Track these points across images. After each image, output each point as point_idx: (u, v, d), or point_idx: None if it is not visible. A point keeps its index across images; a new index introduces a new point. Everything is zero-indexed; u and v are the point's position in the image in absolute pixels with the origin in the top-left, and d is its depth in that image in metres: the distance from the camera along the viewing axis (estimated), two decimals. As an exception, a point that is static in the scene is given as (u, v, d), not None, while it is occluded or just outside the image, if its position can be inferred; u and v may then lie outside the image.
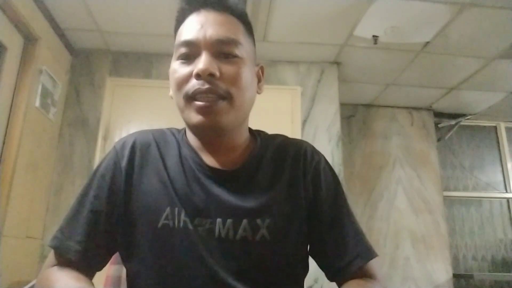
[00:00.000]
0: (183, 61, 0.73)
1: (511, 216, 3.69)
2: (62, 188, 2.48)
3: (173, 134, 0.83)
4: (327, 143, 2.77)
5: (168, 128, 0.85)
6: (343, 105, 3.06)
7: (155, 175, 0.76)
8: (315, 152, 0.83)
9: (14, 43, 2.13)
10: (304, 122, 2.80)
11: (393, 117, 3.62)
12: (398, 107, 3.63)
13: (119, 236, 0.75)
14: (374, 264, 0.77)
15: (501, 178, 3.80)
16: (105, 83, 2.71)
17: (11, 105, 2.12)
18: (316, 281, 2.46)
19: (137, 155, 0.78)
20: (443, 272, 3.27)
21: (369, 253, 0.76)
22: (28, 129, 2.17)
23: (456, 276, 3.31)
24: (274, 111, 2.74)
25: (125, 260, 0.76)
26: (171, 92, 0.78)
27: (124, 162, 0.77)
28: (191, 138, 0.80)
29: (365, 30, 2.49)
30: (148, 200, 0.74)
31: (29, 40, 2.21)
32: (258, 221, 0.72)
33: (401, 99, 3.51)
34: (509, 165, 3.81)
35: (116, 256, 0.81)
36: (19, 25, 2.10)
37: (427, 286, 3.22)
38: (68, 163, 2.54)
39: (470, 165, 3.80)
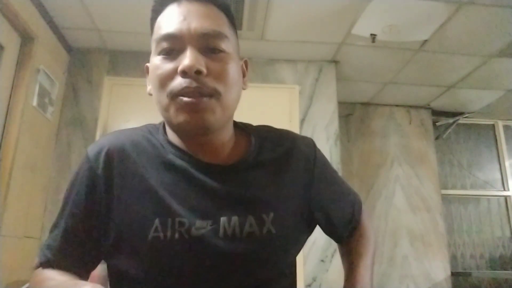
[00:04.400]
0: (165, 56, 0.67)
1: (509, 214, 3.71)
2: (59, 188, 2.47)
3: (152, 134, 0.76)
4: (325, 141, 2.78)
5: (145, 126, 0.79)
6: (341, 103, 3.06)
7: (138, 184, 0.69)
8: (310, 149, 0.85)
9: (11, 42, 2.12)
10: (302, 121, 2.80)
11: (391, 115, 3.62)
12: (396, 106, 3.63)
13: (103, 245, 0.70)
14: (362, 214, 0.89)
15: (499, 176, 3.81)
16: (103, 82, 2.70)
17: (8, 105, 2.11)
18: (314, 279, 2.45)
19: (115, 161, 0.71)
20: (441, 270, 3.28)
21: (359, 211, 0.87)
22: (26, 128, 2.16)
23: (454, 274, 3.32)
24: (272, 110, 2.75)
25: (112, 261, 0.72)
26: (149, 89, 0.73)
27: (100, 170, 0.70)
28: (173, 137, 0.74)
29: (363, 28, 2.49)
30: (132, 212, 0.68)
31: (26, 39, 2.20)
32: (264, 216, 0.70)
33: (399, 98, 3.51)
34: (506, 163, 3.82)
35: None
36: (16, 24, 2.09)
37: (425, 284, 3.23)
38: (65, 162, 2.54)
39: (468, 163, 3.81)
